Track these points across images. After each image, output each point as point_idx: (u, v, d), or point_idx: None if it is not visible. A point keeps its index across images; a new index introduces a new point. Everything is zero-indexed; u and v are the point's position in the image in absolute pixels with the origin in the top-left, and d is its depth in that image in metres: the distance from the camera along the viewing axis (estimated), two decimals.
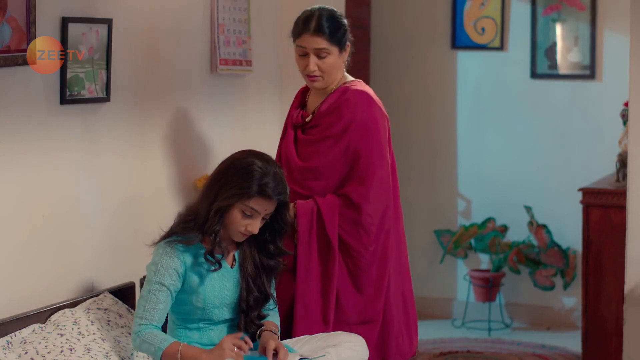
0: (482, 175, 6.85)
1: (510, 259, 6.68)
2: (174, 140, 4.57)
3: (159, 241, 3.62)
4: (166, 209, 4.45)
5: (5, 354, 3.49)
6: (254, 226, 3.59)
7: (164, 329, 3.62)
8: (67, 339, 3.63)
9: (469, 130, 6.87)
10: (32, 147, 3.79)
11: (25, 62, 3.67)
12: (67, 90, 3.90)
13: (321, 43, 3.96)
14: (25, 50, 3.66)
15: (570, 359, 6.01)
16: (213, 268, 3.60)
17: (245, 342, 3.48)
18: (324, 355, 3.64)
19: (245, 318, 3.68)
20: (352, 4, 6.08)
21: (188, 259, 3.60)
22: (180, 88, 4.62)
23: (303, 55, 3.99)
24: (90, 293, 4.02)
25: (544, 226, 6.61)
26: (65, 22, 3.85)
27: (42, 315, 3.75)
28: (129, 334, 3.85)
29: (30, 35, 3.67)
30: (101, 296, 3.96)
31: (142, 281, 4.14)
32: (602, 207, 5.51)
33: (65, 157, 3.95)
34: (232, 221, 3.58)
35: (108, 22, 4.05)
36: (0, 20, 3.56)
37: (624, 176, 5.43)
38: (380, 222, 3.97)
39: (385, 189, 3.99)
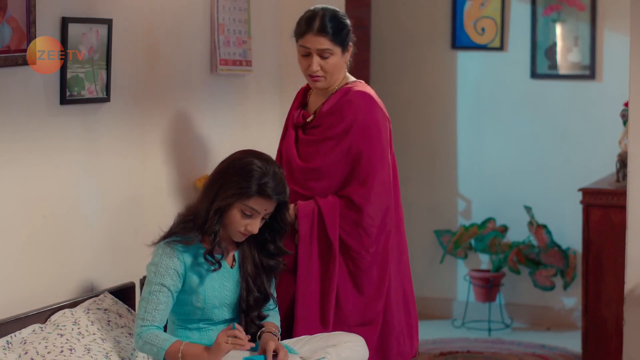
0: (482, 175, 6.85)
1: (510, 259, 6.68)
2: (174, 140, 4.57)
3: (159, 241, 3.62)
4: (166, 209, 4.45)
5: (5, 354, 3.49)
6: (254, 226, 3.59)
7: (164, 329, 3.62)
8: (67, 339, 3.63)
9: (469, 130, 6.87)
10: (32, 147, 3.79)
11: (25, 62, 3.67)
12: (67, 90, 3.90)
13: (324, 43, 3.95)
14: (25, 51, 3.66)
15: (570, 359, 6.01)
16: (213, 268, 3.60)
17: (239, 332, 3.45)
18: (324, 356, 3.64)
19: (245, 318, 3.68)
20: (352, 4, 6.08)
21: (188, 259, 3.60)
22: (180, 88, 4.62)
23: (306, 55, 3.99)
24: (90, 293, 4.02)
25: (544, 226, 6.61)
26: (65, 22, 3.85)
27: (42, 316, 3.75)
28: (129, 334, 3.85)
29: (30, 36, 3.67)
30: (101, 296, 3.96)
31: (142, 281, 4.14)
32: (602, 207, 5.51)
33: (65, 157, 3.95)
34: (232, 221, 3.58)
35: (108, 22, 4.05)
36: (0, 21, 3.56)
37: (624, 176, 5.43)
38: (381, 223, 3.97)
39: (386, 191, 3.99)
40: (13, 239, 3.72)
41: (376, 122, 3.98)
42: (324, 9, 3.99)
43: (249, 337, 3.52)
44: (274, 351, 3.55)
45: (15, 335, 3.60)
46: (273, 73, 5.32)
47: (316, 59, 3.96)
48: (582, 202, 5.59)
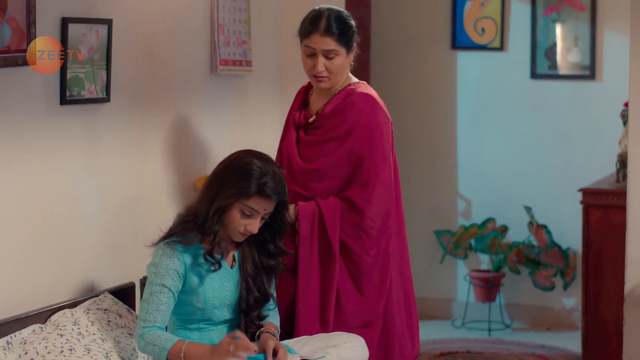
0: (482, 175, 6.85)
1: (510, 259, 6.68)
2: (174, 140, 4.57)
3: (159, 242, 3.62)
4: (166, 209, 4.45)
5: (5, 354, 3.49)
6: (254, 226, 3.59)
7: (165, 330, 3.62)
8: (67, 340, 3.62)
9: (469, 130, 6.87)
10: (32, 147, 3.79)
11: (25, 63, 3.66)
12: (67, 90, 3.90)
13: (330, 44, 3.94)
14: (25, 51, 3.66)
15: (570, 359, 6.01)
16: (212, 268, 3.60)
17: (242, 341, 3.45)
18: (324, 356, 3.64)
19: (245, 318, 3.68)
20: (352, 4, 6.08)
21: (188, 259, 3.60)
22: (180, 88, 4.62)
23: (311, 55, 3.97)
24: (90, 293, 4.02)
25: (544, 226, 6.61)
26: (65, 22, 3.85)
27: (42, 316, 3.75)
28: (129, 334, 3.85)
29: (30, 36, 3.67)
30: (101, 296, 3.96)
31: (142, 281, 4.14)
32: (602, 207, 5.51)
33: (65, 157, 3.95)
34: (232, 221, 3.58)
35: (108, 23, 4.05)
36: (0, 21, 3.56)
37: (624, 176, 5.43)
38: (382, 225, 3.97)
39: (388, 193, 3.99)
40: (13, 239, 3.72)
41: (379, 124, 3.98)
42: (330, 9, 3.98)
43: (255, 346, 3.49)
44: (273, 350, 3.55)
45: (15, 336, 3.60)
46: (273, 73, 5.32)
47: (321, 60, 3.95)
48: (582, 202, 5.59)
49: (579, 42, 6.56)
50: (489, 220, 6.77)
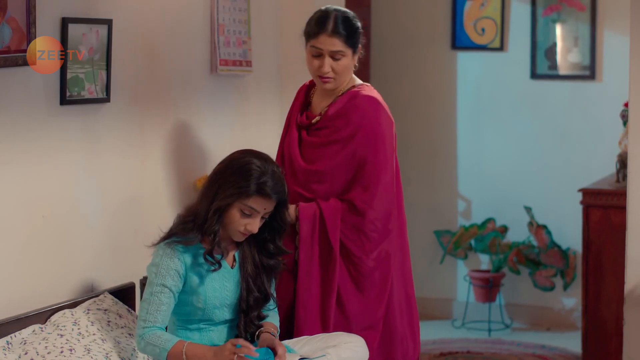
0: (482, 175, 6.85)
1: (510, 259, 6.68)
2: (174, 140, 4.57)
3: (159, 242, 3.62)
4: (166, 209, 4.45)
5: (5, 354, 3.49)
6: (254, 225, 3.59)
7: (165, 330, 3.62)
8: (67, 340, 3.62)
9: (469, 130, 6.87)
10: (32, 147, 3.79)
11: (25, 63, 3.66)
12: (67, 90, 3.90)
13: (337, 45, 3.92)
14: (25, 51, 3.66)
15: (570, 359, 6.01)
16: (212, 268, 3.60)
17: (245, 349, 3.44)
18: (324, 356, 3.64)
19: (245, 318, 3.67)
20: (352, 4, 6.07)
21: (188, 259, 3.60)
22: (180, 88, 4.62)
23: (317, 56, 3.96)
24: (90, 293, 4.02)
25: (544, 227, 6.61)
26: (65, 22, 3.85)
27: (42, 316, 3.75)
28: (129, 334, 3.85)
29: (30, 36, 3.67)
30: (101, 297, 3.96)
31: (142, 282, 4.14)
32: (602, 207, 5.51)
33: (65, 158, 3.95)
34: (232, 221, 3.58)
35: (108, 23, 4.05)
36: (0, 21, 3.56)
37: (624, 177, 5.43)
38: (383, 228, 3.97)
39: (389, 196, 3.99)
40: (13, 239, 3.72)
41: (382, 128, 3.97)
42: (337, 10, 3.97)
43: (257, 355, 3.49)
44: (273, 348, 3.55)
45: (15, 336, 3.59)
46: (273, 73, 5.32)
47: (328, 60, 3.94)
48: (582, 202, 5.59)
49: (579, 42, 6.56)
50: (489, 220, 6.76)
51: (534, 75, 6.68)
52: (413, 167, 6.87)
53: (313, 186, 4.00)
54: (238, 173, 3.57)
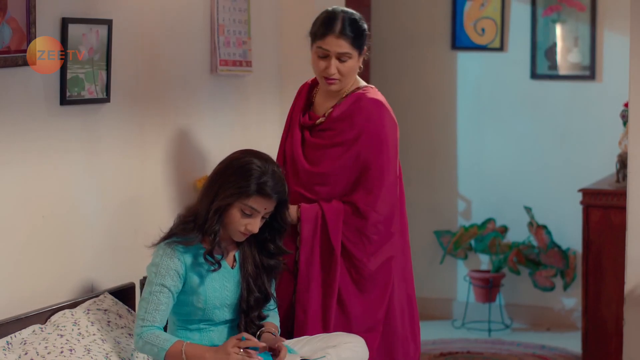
0: (482, 175, 6.85)
1: (510, 259, 6.68)
2: (174, 140, 4.57)
3: (159, 242, 3.62)
4: (166, 209, 4.46)
5: (5, 354, 3.49)
6: (254, 225, 3.59)
7: (164, 330, 3.62)
8: (67, 340, 3.62)
9: (469, 130, 6.87)
10: (32, 147, 3.79)
11: (25, 63, 3.66)
12: (67, 91, 3.90)
13: (344, 47, 3.91)
14: (25, 51, 3.66)
15: (570, 359, 6.02)
16: (213, 268, 3.60)
17: (249, 341, 3.46)
18: (324, 357, 3.64)
19: (245, 318, 3.67)
20: (352, 4, 6.07)
21: (188, 259, 3.59)
22: (180, 88, 4.62)
23: (323, 57, 3.94)
24: (90, 293, 4.02)
25: (544, 227, 6.61)
26: (65, 22, 3.85)
27: (42, 316, 3.75)
28: (129, 334, 3.85)
29: (30, 36, 3.67)
30: (101, 297, 3.96)
31: (142, 282, 4.14)
32: (602, 207, 5.51)
33: (65, 158, 3.95)
34: (232, 220, 3.58)
35: (108, 23, 4.05)
36: (0, 21, 3.56)
37: (624, 177, 5.43)
38: (385, 231, 3.97)
39: (392, 200, 3.98)
40: (13, 239, 3.72)
41: (386, 131, 3.97)
42: (344, 12, 3.95)
43: (265, 345, 3.50)
44: (274, 349, 3.55)
45: (15, 336, 3.59)
46: (273, 73, 5.32)
47: (334, 62, 3.93)
48: (582, 202, 5.59)
49: (579, 43, 6.56)
50: (489, 220, 6.76)
51: (534, 75, 6.68)
52: (413, 167, 6.86)
53: (315, 188, 3.99)
54: (238, 173, 3.57)
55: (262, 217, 3.61)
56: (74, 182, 4.00)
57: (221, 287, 3.63)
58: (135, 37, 4.30)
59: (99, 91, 4.06)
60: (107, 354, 3.65)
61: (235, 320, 3.69)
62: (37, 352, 3.53)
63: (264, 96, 5.23)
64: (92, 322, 3.78)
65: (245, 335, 3.47)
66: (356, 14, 3.97)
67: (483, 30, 6.75)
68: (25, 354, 3.52)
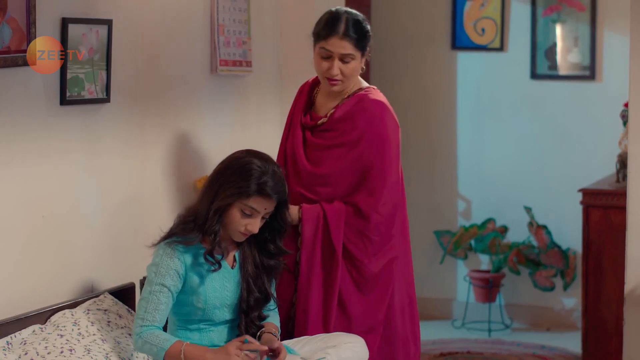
0: (482, 175, 6.85)
1: (510, 259, 6.68)
2: (174, 140, 4.57)
3: (159, 242, 3.62)
4: (166, 210, 4.45)
5: (5, 354, 3.49)
6: (254, 225, 3.59)
7: (164, 330, 3.62)
8: (67, 340, 3.62)
9: (469, 130, 6.87)
10: (32, 147, 3.79)
11: (25, 63, 3.66)
12: (67, 91, 3.90)
13: (348, 48, 3.90)
14: (25, 51, 3.66)
15: None
16: (213, 268, 3.60)
17: (251, 344, 3.47)
18: (324, 357, 3.64)
19: (245, 319, 3.67)
20: (352, 4, 6.07)
21: (188, 259, 3.59)
22: (180, 88, 4.62)
23: (326, 58, 3.93)
24: (90, 294, 4.02)
25: (544, 227, 6.61)
26: (65, 22, 3.85)
27: (42, 316, 3.75)
28: (129, 334, 3.85)
29: (30, 36, 3.67)
30: (101, 297, 3.96)
31: (142, 282, 4.14)
32: (602, 207, 5.51)
33: (65, 158, 3.95)
34: (232, 221, 3.58)
35: (108, 23, 4.05)
36: (0, 21, 3.56)
37: (624, 177, 5.43)
38: (386, 233, 3.97)
39: (394, 201, 3.98)
40: (13, 239, 3.72)
41: (388, 132, 3.97)
42: (348, 12, 3.94)
43: (267, 349, 3.51)
44: (274, 350, 3.55)
45: (15, 336, 3.59)
46: (273, 73, 5.32)
47: (337, 63, 3.92)
48: (582, 202, 5.59)
49: (579, 43, 6.56)
50: (489, 220, 6.76)
51: (534, 75, 6.68)
52: (413, 167, 6.86)
53: (317, 188, 3.99)
54: (238, 173, 3.57)
55: (262, 218, 3.61)
56: (74, 182, 4.00)
57: (221, 287, 3.63)
58: (135, 37, 4.30)
59: (99, 91, 4.06)
60: (107, 354, 3.65)
61: (235, 320, 3.69)
62: (37, 352, 3.53)
63: (264, 96, 5.23)
64: (92, 322, 3.78)
65: (248, 337, 3.47)
66: (360, 15, 3.97)
67: (483, 30, 6.75)
68: (25, 354, 3.52)
